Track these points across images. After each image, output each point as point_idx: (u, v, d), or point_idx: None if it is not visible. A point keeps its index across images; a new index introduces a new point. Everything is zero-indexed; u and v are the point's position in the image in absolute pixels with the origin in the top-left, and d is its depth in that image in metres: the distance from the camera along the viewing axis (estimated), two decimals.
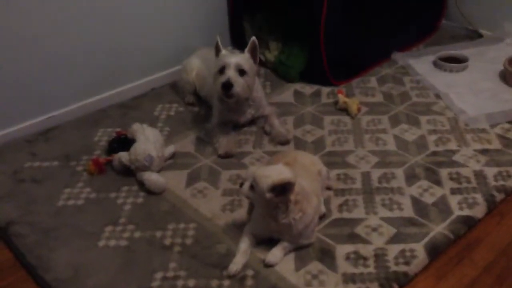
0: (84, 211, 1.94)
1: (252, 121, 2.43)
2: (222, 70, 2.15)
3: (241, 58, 2.17)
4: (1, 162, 2.21)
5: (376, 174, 2.08)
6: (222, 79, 2.13)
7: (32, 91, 2.37)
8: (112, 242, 1.80)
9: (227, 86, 2.12)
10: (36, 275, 1.70)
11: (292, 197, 1.61)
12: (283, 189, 1.58)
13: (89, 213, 1.93)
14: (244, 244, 1.71)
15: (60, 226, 1.87)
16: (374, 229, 1.81)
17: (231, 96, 2.16)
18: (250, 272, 1.65)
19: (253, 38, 2.19)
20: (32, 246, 1.79)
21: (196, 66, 2.58)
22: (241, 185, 1.66)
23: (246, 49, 2.20)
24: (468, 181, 2.02)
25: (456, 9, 3.30)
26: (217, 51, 2.21)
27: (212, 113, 2.39)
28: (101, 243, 1.79)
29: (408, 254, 1.69)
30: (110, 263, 1.71)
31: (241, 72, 2.15)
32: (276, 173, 1.59)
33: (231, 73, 2.12)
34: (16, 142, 2.34)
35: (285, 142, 2.29)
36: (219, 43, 2.20)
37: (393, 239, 1.76)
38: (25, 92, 2.35)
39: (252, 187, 1.62)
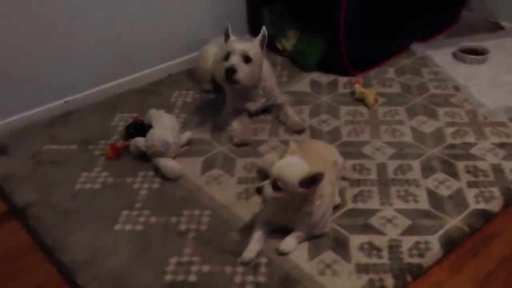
0: (101, 195, 1.97)
1: (266, 110, 2.43)
2: (227, 56, 2.14)
3: (247, 45, 2.14)
4: (20, 144, 2.25)
5: (392, 165, 2.07)
6: (226, 64, 2.12)
7: (51, 75, 2.40)
8: (128, 226, 1.82)
9: (230, 71, 2.11)
10: (53, 257, 1.74)
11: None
12: (313, 180, 1.58)
13: (106, 197, 1.96)
14: (258, 232, 1.72)
15: (77, 209, 1.90)
16: (389, 220, 1.81)
17: (234, 82, 2.15)
18: (264, 260, 1.67)
19: (264, 28, 2.18)
20: (50, 228, 1.82)
21: (213, 53, 2.58)
22: (259, 190, 1.62)
23: (257, 38, 2.18)
24: (485, 175, 2.00)
25: (478, 0, 3.24)
26: (226, 38, 2.20)
27: (226, 101, 2.40)
28: (117, 227, 1.82)
29: (422, 246, 1.69)
30: (126, 247, 1.74)
31: (247, 59, 2.13)
32: (298, 167, 1.59)
33: (235, 59, 2.11)
34: (35, 125, 2.37)
35: (300, 131, 2.29)
36: (229, 30, 2.19)
37: (408, 231, 1.76)
38: (43, 76, 2.38)
39: (276, 187, 1.60)
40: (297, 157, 1.63)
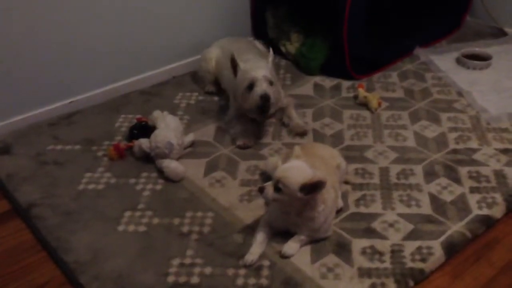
0: (104, 195, 1.97)
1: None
2: (251, 85, 2.11)
3: (267, 70, 2.14)
4: (24, 144, 2.25)
5: (394, 170, 2.07)
6: (258, 92, 2.08)
7: (55, 76, 2.40)
8: (131, 227, 1.82)
9: (265, 98, 2.08)
10: (56, 257, 1.74)
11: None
12: (313, 188, 1.58)
13: (109, 197, 1.96)
14: (261, 235, 1.72)
15: (80, 209, 1.91)
16: (391, 225, 1.81)
17: (267, 109, 2.13)
18: (266, 263, 1.67)
19: (271, 51, 2.23)
20: (53, 228, 1.83)
21: (216, 55, 2.59)
22: (261, 189, 1.63)
23: (269, 60, 2.19)
24: (488, 181, 2.00)
25: (481, 6, 3.25)
26: (234, 66, 2.20)
27: (230, 104, 2.40)
28: (120, 228, 1.82)
29: (424, 251, 1.69)
30: (128, 248, 1.74)
31: (270, 83, 2.13)
32: (301, 172, 1.59)
33: (265, 86, 2.09)
34: (39, 125, 2.37)
35: (303, 134, 2.30)
36: (235, 58, 2.19)
37: (410, 236, 1.76)
38: (48, 76, 2.38)
39: (277, 189, 1.61)
40: (302, 162, 1.63)
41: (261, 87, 2.09)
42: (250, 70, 2.13)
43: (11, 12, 2.17)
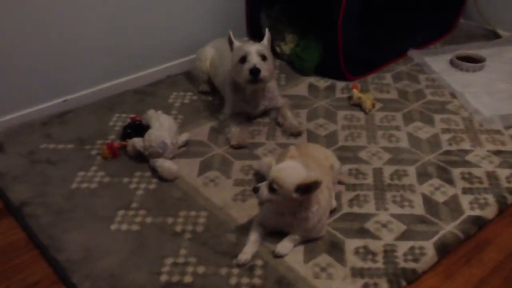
0: (97, 194, 1.97)
1: (265, 113, 2.44)
2: (243, 59, 2.17)
3: (260, 45, 2.21)
4: (17, 142, 2.24)
5: (388, 170, 2.08)
6: (248, 65, 2.14)
7: (48, 74, 2.39)
8: (124, 226, 1.82)
9: (255, 71, 2.13)
10: (48, 255, 1.73)
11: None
12: (308, 188, 1.58)
13: (102, 196, 1.96)
14: (254, 235, 1.72)
15: (73, 208, 1.90)
16: (384, 225, 1.81)
17: (259, 81, 2.18)
18: (259, 262, 1.67)
19: (267, 30, 2.26)
20: (45, 226, 1.82)
21: (210, 55, 2.59)
22: (255, 189, 1.64)
23: (265, 39, 2.24)
24: (480, 182, 2.01)
25: (475, 8, 3.27)
26: (231, 44, 2.25)
27: (225, 103, 2.40)
28: (113, 227, 1.82)
29: (417, 251, 1.70)
30: (121, 247, 1.74)
31: (263, 57, 2.18)
32: (296, 172, 1.59)
33: (256, 59, 2.15)
34: (32, 123, 2.36)
35: (297, 134, 2.30)
36: (232, 36, 2.24)
37: (403, 236, 1.77)
38: (41, 75, 2.37)
39: (271, 189, 1.61)
40: (297, 162, 1.64)
41: (252, 61, 2.14)
42: (244, 46, 2.20)
43: (3, 11, 2.16)
